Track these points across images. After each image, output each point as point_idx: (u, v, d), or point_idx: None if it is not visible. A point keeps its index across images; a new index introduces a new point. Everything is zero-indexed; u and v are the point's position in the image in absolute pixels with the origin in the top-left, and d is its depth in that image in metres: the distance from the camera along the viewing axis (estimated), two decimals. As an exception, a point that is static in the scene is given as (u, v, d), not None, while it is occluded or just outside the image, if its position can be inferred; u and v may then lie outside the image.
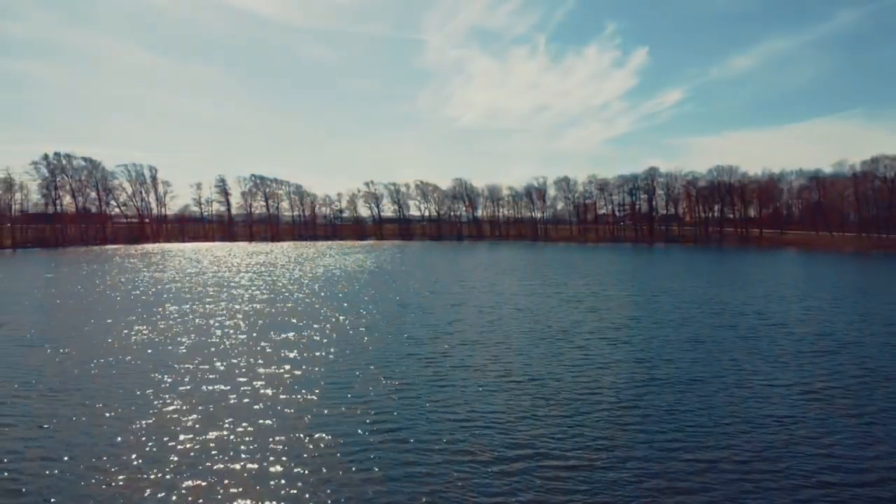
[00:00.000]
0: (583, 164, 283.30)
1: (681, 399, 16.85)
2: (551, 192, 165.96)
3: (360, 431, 14.34)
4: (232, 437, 13.90)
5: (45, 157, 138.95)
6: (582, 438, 13.95)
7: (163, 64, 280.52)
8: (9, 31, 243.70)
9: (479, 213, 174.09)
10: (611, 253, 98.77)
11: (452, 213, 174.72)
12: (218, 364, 20.83)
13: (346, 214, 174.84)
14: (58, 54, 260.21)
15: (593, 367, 20.41)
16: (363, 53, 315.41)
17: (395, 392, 17.47)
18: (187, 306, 35.10)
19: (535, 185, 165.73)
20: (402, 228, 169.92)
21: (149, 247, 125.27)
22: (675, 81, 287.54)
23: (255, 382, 18.47)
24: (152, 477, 11.91)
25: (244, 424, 14.72)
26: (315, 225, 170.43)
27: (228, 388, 17.94)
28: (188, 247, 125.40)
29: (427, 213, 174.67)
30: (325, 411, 15.83)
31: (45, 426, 14.76)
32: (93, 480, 11.76)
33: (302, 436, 14.07)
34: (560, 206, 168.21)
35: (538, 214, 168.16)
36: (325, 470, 12.22)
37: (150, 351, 22.89)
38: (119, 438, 13.99)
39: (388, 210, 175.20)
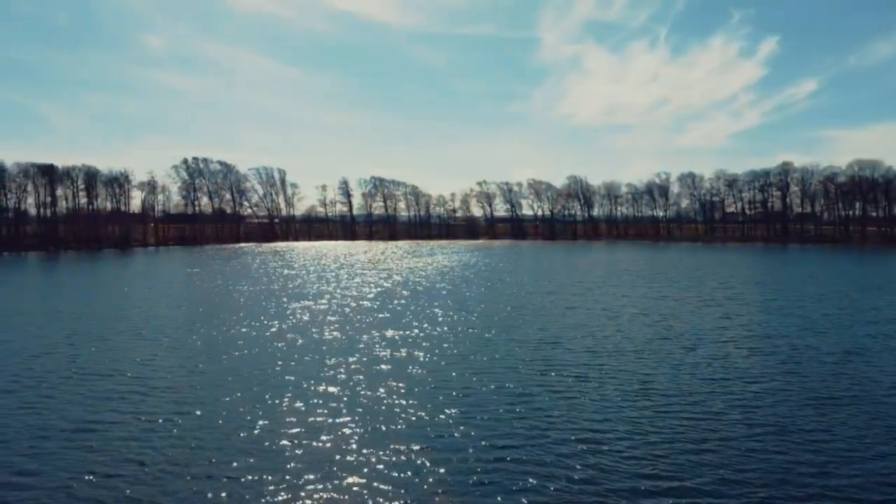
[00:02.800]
0: (708, 159, 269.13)
1: (846, 419, 14.95)
2: (674, 188, 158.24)
3: (472, 445, 13.68)
4: (341, 432, 13.88)
5: (185, 161, 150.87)
6: (732, 465, 12.64)
7: (288, 72, 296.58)
8: (150, 43, 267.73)
9: (596, 211, 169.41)
10: (741, 253, 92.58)
11: (567, 212, 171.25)
12: (327, 360, 21.16)
13: (459, 214, 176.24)
14: (194, 65, 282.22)
15: (736, 381, 18.65)
16: (475, 55, 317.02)
17: (512, 402, 16.66)
18: (307, 302, 36.44)
19: (656, 181, 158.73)
20: (515, 228, 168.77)
21: (278, 245, 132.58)
22: (809, 71, 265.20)
23: (364, 380, 18.42)
24: (281, 471, 11.98)
25: (351, 420, 14.62)
26: (430, 224, 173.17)
27: (336, 386, 18.02)
28: (314, 245, 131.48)
29: (540, 213, 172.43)
30: (440, 419, 15.35)
31: (167, 415, 15.52)
32: (215, 470, 12.00)
33: (416, 444, 13.71)
34: (684, 203, 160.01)
35: (660, 213, 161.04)
36: (434, 480, 11.81)
37: (276, 342, 23.71)
38: (240, 426, 14.24)
39: (501, 210, 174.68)
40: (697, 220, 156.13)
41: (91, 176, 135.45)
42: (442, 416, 15.32)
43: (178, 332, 27.69)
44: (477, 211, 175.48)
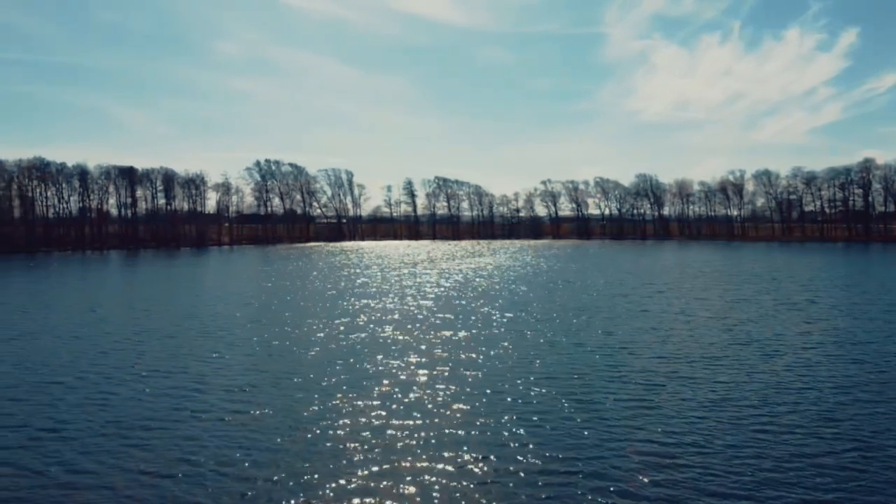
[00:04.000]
0: (785, 156, 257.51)
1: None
2: (749, 186, 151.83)
3: (533, 454, 12.81)
4: (398, 434, 13.31)
5: (258, 163, 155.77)
6: (811, 483, 11.40)
7: (355, 74, 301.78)
8: (223, 50, 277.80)
9: (666, 210, 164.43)
10: (821, 253, 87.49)
11: (635, 211, 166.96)
12: (387, 361, 20.74)
13: (522, 213, 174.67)
14: (265, 70, 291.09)
15: (820, 392, 17.07)
16: (540, 52, 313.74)
17: (576, 410, 15.68)
18: (370, 301, 36.41)
19: (730, 179, 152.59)
20: (581, 227, 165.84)
21: (345, 245, 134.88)
22: (891, 64, 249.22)
23: (423, 382, 17.84)
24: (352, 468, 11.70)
25: (409, 424, 14.01)
26: (493, 224, 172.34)
27: (395, 387, 17.54)
28: (379, 245, 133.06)
29: (608, 212, 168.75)
30: (500, 426, 14.53)
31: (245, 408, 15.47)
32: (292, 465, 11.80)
33: (475, 452, 13.03)
34: (760, 202, 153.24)
35: (734, 212, 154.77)
36: (493, 491, 11.12)
37: (338, 341, 23.55)
38: (298, 426, 13.87)
39: (566, 209, 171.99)
40: (773, 220, 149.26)
41: (169, 178, 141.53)
42: (502, 423, 14.61)
43: (244, 329, 28.06)
44: (541, 210, 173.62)
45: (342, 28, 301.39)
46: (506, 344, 23.92)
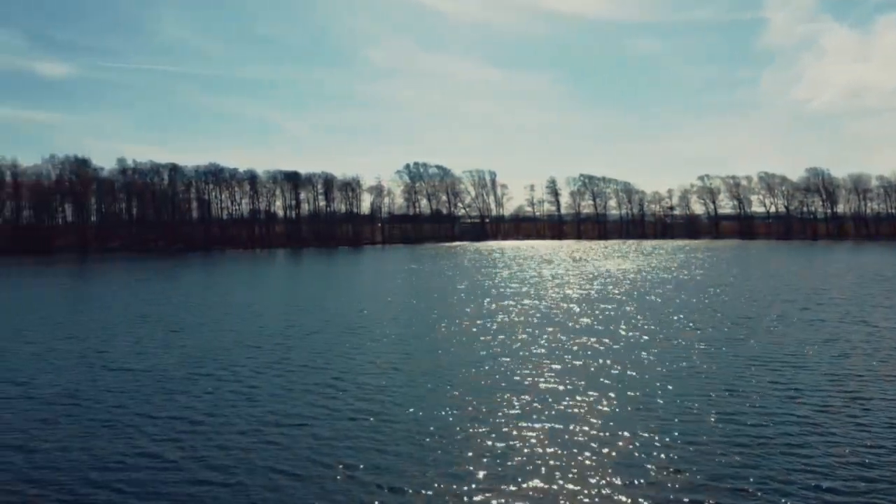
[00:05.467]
0: None
1: None
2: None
3: (687, 481, 11.62)
4: (538, 442, 12.45)
5: (407, 166, 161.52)
6: None
7: (499, 74, 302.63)
8: (373, 57, 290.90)
9: (840, 208, 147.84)
10: None
11: (805, 209, 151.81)
12: (526, 364, 19.89)
13: (677, 212, 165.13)
14: (412, 75, 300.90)
15: None
16: (693, 41, 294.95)
17: (736, 433, 13.84)
18: (510, 302, 35.79)
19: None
20: (743, 226, 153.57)
21: (489, 244, 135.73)
22: None
23: (566, 389, 16.75)
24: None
25: (550, 432, 13.10)
26: (643, 223, 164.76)
27: (533, 393, 16.65)
28: (521, 244, 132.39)
29: (773, 210, 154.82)
30: (650, 444, 13.19)
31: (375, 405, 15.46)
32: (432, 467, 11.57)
33: (622, 476, 12.01)
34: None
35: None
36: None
37: (479, 342, 23.21)
38: (433, 426, 13.52)
39: (727, 206, 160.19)
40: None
41: (328, 181, 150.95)
42: (644, 440, 13.27)
43: (389, 328, 28.61)
44: (698, 208, 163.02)
45: (487, 30, 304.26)
46: (654, 352, 22.25)
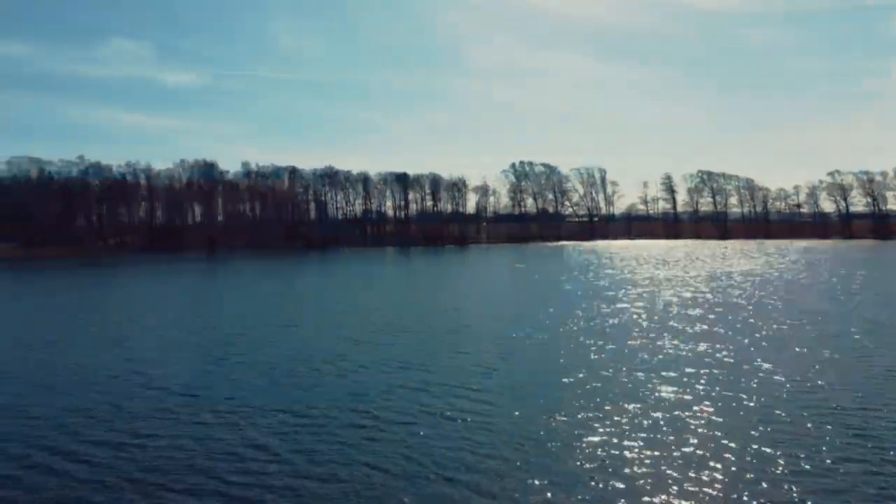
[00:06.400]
0: None
1: None
2: None
3: None
4: (654, 458, 11.77)
5: (513, 165, 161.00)
6: None
7: (607, 70, 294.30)
8: (476, 57, 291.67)
9: None
10: None
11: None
12: (633, 371, 18.80)
13: (804, 210, 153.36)
14: (516, 73, 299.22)
15: None
16: (815, 30, 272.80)
17: (882, 462, 12.59)
18: (618, 304, 34.31)
19: None
20: (877, 225, 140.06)
21: (597, 244, 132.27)
22: None
23: (677, 401, 15.73)
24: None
25: (667, 449, 12.35)
26: (767, 222, 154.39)
27: (645, 402, 15.69)
28: (633, 244, 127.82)
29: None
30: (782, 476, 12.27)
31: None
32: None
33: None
34: None
35: None
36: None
37: (582, 344, 22.42)
38: (531, 429, 13.01)
39: (860, 204, 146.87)
40: None
41: (436, 182, 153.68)
42: (771, 458, 12.19)
43: (492, 327, 28.27)
44: (828, 206, 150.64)
45: (592, 25, 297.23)
46: (778, 362, 20.45)
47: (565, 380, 18.79)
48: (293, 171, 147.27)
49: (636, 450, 13.03)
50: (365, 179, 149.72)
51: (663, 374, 19.20)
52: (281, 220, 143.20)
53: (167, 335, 28.03)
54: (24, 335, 29.24)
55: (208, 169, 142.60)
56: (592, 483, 11.45)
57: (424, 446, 13.42)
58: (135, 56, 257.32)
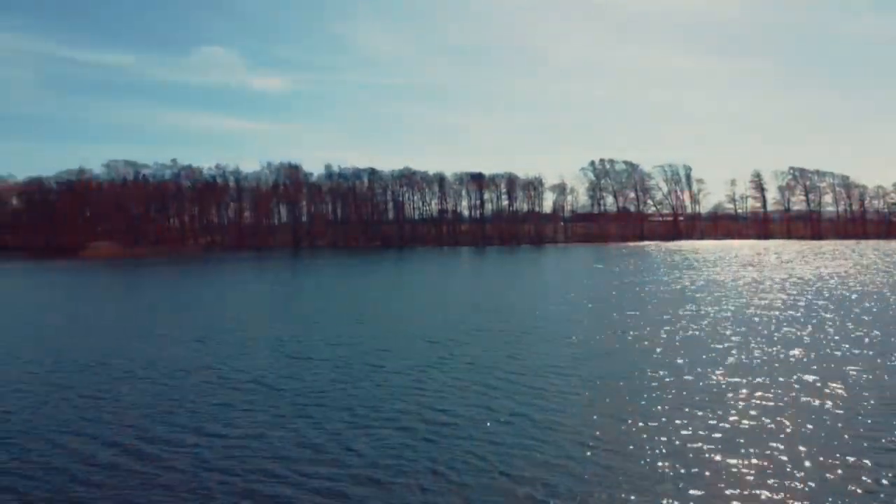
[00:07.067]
0: None
1: None
2: None
3: None
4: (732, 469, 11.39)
5: (592, 163, 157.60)
6: None
7: (689, 63, 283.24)
8: (555, 55, 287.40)
9: None
10: None
11: None
12: (719, 379, 18.03)
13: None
14: (598, 70, 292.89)
15: None
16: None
17: None
18: (708, 307, 33.00)
19: None
20: None
21: (682, 244, 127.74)
22: None
23: (764, 408, 14.95)
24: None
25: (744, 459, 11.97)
26: (865, 221, 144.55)
27: (731, 411, 15.06)
28: (720, 244, 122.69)
29: None
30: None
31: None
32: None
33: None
34: None
35: None
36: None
37: (673, 347, 21.74)
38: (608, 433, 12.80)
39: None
40: None
41: (511, 181, 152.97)
42: (858, 474, 11.51)
43: (568, 328, 27.92)
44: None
45: (673, 16, 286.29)
46: (872, 370, 19.15)
47: (641, 384, 18.35)
48: (372, 172, 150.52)
49: (712, 456, 12.60)
50: (441, 179, 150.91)
51: (748, 379, 18.41)
52: (360, 220, 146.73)
53: (254, 330, 29.27)
54: (127, 329, 31.31)
55: (293, 171, 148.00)
56: (660, 490, 11.16)
57: (491, 447, 13.45)
58: (225, 63, 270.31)
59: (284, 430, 15.10)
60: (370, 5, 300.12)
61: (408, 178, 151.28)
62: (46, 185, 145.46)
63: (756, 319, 29.80)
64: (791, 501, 10.74)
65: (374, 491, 11.60)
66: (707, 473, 11.95)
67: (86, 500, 11.50)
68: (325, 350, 24.35)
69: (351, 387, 18.86)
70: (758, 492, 11.12)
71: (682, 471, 12.07)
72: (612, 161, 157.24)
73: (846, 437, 13.69)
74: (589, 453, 13.05)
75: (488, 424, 15.00)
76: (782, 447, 13.14)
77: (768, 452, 12.87)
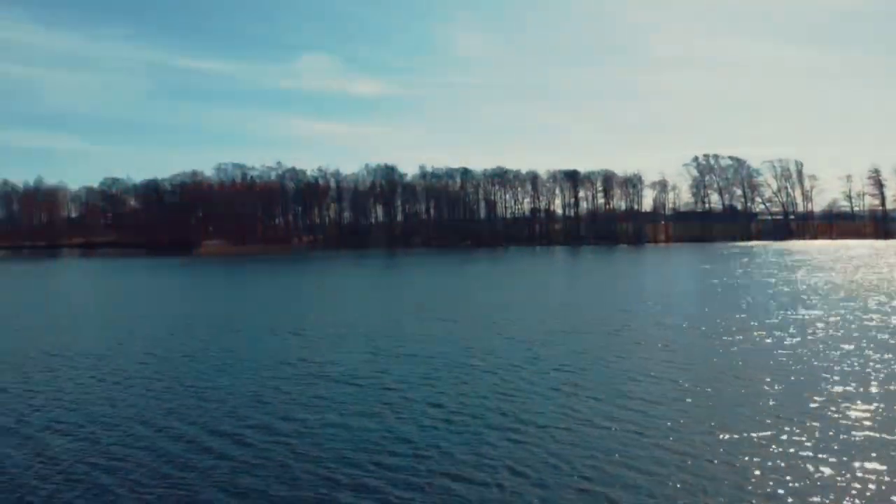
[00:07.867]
0: None
1: None
2: None
3: None
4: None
5: (695, 159, 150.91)
6: None
7: (804, 54, 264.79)
8: (656, 49, 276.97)
9: None
10: None
11: None
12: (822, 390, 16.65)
13: None
14: (701, 64, 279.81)
15: None
16: None
17: None
18: (819, 316, 30.63)
19: None
20: None
21: (793, 244, 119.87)
22: None
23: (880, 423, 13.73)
24: None
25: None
26: None
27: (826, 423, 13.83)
28: (834, 245, 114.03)
29: None
30: None
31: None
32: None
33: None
34: None
35: None
36: None
37: (782, 357, 20.35)
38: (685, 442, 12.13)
39: None
40: None
41: (608, 179, 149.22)
42: None
43: (662, 331, 26.85)
44: None
45: (779, 5, 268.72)
46: None
47: (738, 392, 17.28)
48: (465, 172, 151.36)
49: (813, 471, 11.62)
50: (534, 178, 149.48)
51: (858, 390, 16.91)
52: (453, 219, 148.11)
53: (353, 326, 30.14)
54: (237, 321, 33.16)
55: (389, 172, 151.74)
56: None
57: (570, 452, 13.03)
58: (325, 69, 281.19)
59: (371, 420, 15.37)
60: (463, 6, 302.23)
61: (500, 177, 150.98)
62: (162, 187, 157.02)
63: (873, 326, 27.37)
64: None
65: (451, 484, 11.54)
66: (807, 489, 11.03)
67: (187, 482, 12.16)
68: (408, 347, 24.64)
69: (438, 382, 18.96)
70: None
71: (781, 486, 11.20)
72: (716, 156, 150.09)
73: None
74: (678, 461, 12.38)
75: (569, 430, 14.52)
76: (886, 466, 11.92)
77: (884, 467, 11.72)
